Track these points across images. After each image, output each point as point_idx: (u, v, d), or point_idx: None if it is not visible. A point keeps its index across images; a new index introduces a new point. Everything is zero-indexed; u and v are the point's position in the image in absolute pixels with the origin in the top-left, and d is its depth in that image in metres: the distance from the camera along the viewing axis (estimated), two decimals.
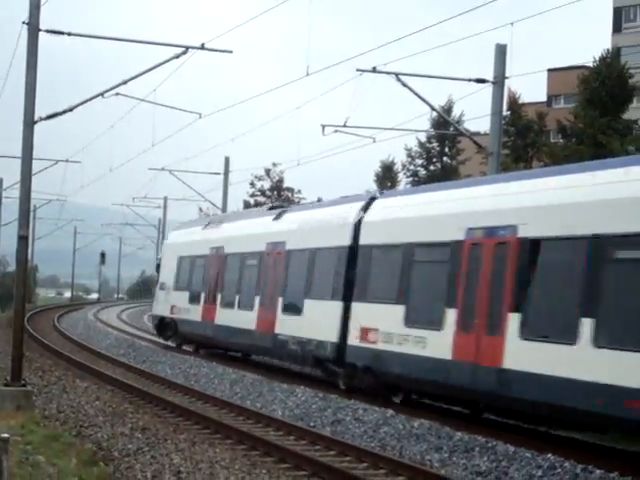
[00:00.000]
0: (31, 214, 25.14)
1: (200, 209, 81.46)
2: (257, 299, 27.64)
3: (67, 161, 47.22)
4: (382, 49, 26.57)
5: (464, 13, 23.18)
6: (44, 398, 20.66)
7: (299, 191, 77.75)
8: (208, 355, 34.99)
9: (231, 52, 22.49)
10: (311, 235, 25.36)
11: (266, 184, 76.93)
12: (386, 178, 64.85)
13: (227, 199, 52.49)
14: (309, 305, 24.78)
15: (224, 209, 53.67)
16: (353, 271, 22.54)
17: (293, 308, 25.71)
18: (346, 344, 22.35)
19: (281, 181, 76.84)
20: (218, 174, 52.22)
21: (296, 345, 24.85)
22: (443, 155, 61.84)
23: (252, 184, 76.20)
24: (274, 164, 75.44)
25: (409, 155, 61.41)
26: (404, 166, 62.04)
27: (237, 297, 29.43)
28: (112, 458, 14.18)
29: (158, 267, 38.16)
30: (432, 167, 61.07)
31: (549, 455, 14.94)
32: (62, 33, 21.09)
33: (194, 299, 32.94)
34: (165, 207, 76.55)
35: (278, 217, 28.19)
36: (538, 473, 14.22)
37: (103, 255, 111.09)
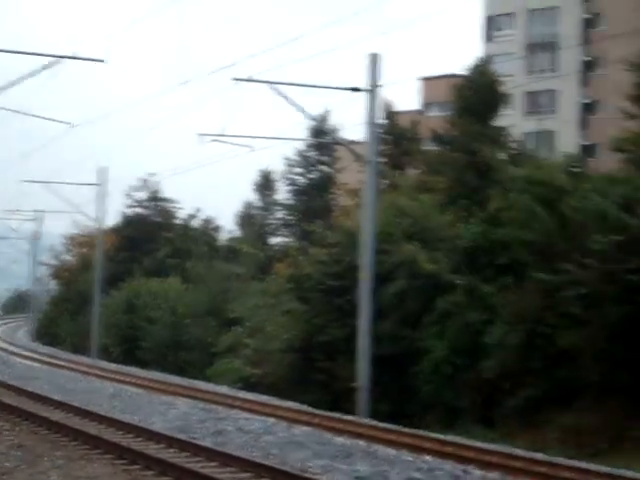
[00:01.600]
0: None
1: (75, 222, 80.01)
2: None
3: None
4: (260, 58, 26.64)
5: (331, 22, 23.39)
6: None
7: (177, 201, 76.96)
8: (85, 369, 34.29)
9: (102, 61, 22.31)
10: None
11: (143, 195, 75.80)
12: (265, 187, 64.95)
13: (104, 211, 51.79)
14: None
15: (101, 221, 52.82)
16: None
17: None
18: None
19: (157, 191, 75.73)
20: (97, 185, 51.32)
21: None
22: (321, 163, 62.23)
23: (129, 195, 75.00)
24: (150, 174, 74.39)
25: (288, 164, 61.65)
26: (283, 175, 62.22)
27: None
28: None
29: None
30: (310, 175, 61.40)
31: (427, 457, 15.13)
32: None
33: None
34: (40, 220, 75.00)
35: None
36: (418, 475, 14.38)
37: None
